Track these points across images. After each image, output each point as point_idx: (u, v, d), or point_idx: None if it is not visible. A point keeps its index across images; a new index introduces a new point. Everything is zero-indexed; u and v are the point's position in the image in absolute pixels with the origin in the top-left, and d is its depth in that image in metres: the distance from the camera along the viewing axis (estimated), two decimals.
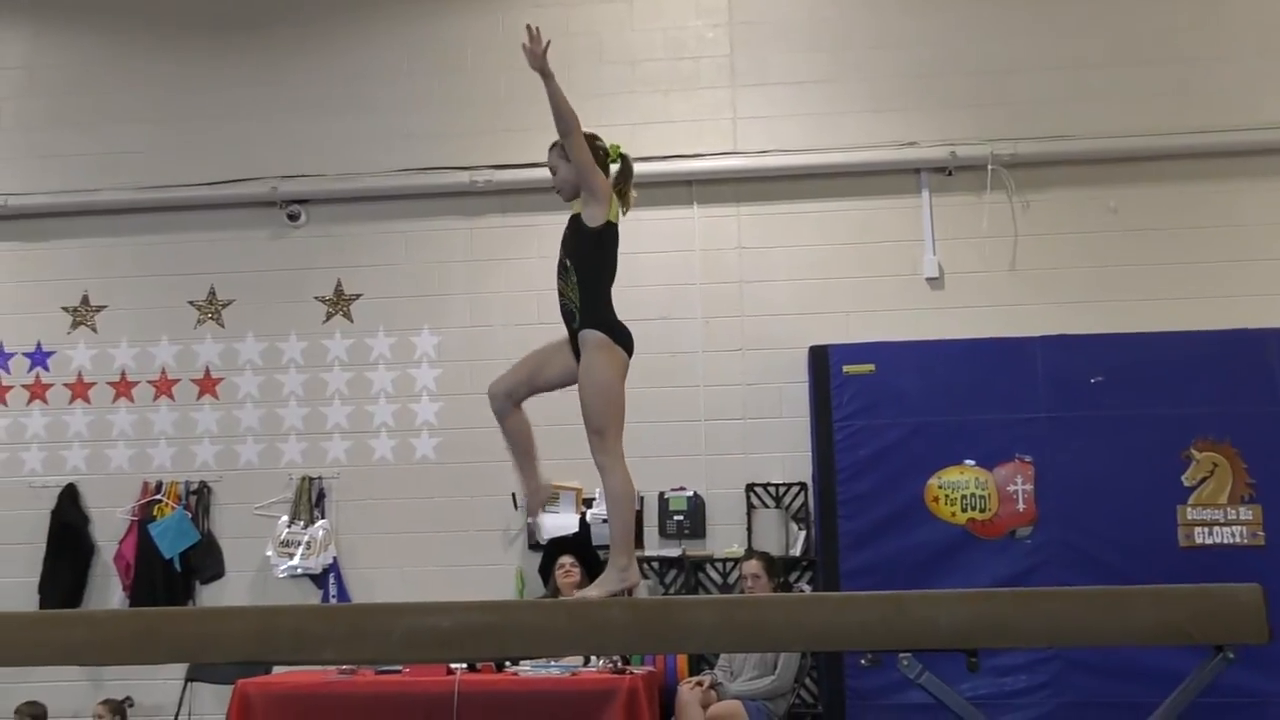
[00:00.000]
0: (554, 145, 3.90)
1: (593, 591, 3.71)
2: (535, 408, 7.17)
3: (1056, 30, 7.28)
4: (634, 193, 3.97)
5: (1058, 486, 6.53)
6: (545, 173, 7.17)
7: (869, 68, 7.34)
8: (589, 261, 3.79)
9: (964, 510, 6.60)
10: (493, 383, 3.97)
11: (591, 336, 3.76)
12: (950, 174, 7.19)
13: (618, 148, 3.91)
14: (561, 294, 3.85)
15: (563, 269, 3.84)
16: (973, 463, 6.63)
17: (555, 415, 7.09)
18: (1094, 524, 6.47)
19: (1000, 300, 7.04)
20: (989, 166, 7.06)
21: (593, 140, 3.86)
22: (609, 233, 3.81)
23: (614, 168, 3.90)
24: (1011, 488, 6.58)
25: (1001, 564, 6.49)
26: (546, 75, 3.68)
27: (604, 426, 3.77)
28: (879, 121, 7.25)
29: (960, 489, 6.62)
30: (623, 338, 3.81)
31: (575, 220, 3.84)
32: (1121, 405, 6.54)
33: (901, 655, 3.33)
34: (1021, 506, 6.56)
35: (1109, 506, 6.45)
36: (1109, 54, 7.23)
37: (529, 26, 3.70)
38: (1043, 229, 7.12)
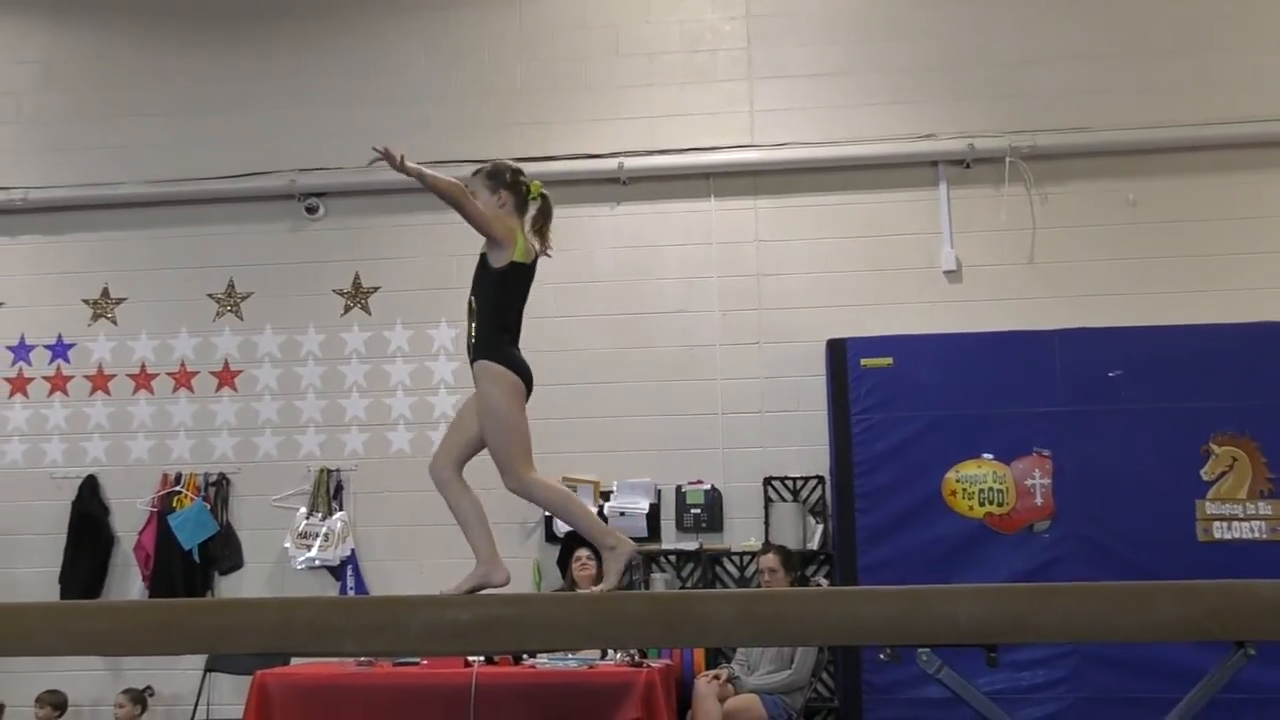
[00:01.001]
0: (475, 173, 3.90)
1: (606, 584, 3.70)
2: (545, 405, 7.21)
3: (1076, 21, 7.24)
4: (551, 233, 3.93)
5: (1076, 480, 6.50)
6: (565, 166, 7.37)
7: (886, 60, 7.31)
8: (490, 300, 3.79)
9: (982, 504, 6.58)
10: (433, 462, 3.90)
11: (480, 368, 3.75)
12: (968, 166, 7.16)
13: (538, 186, 3.90)
14: (468, 334, 3.84)
15: (469, 308, 3.85)
16: (991, 456, 6.61)
17: (567, 409, 7.17)
18: (1112, 518, 6.43)
19: (1018, 293, 7.01)
20: (1007, 159, 7.03)
21: (516, 176, 3.88)
22: (512, 273, 3.78)
23: (533, 206, 3.89)
24: (1030, 482, 6.55)
25: (1019, 558, 6.46)
26: (413, 174, 3.65)
27: (507, 458, 3.74)
28: (896, 114, 7.23)
29: (978, 483, 6.60)
30: (515, 366, 3.76)
31: (482, 259, 3.84)
32: (1140, 399, 6.50)
33: (920, 650, 3.33)
34: (1039, 501, 6.53)
35: (1127, 501, 6.42)
36: (1128, 45, 7.18)
37: (375, 149, 3.69)
38: (1061, 222, 7.10)
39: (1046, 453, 6.54)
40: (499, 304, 3.79)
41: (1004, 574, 6.34)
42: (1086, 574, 6.16)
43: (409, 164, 3.65)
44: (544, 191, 3.92)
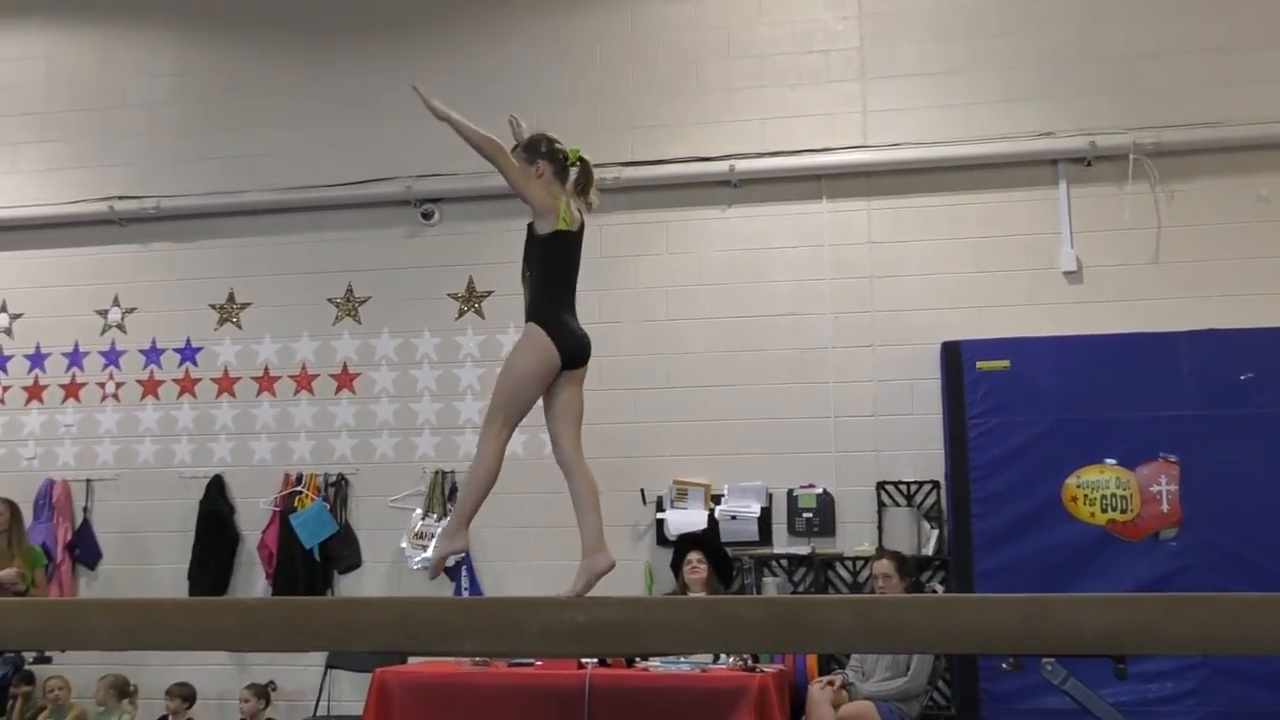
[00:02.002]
0: (512, 149, 3.94)
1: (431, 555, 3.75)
2: (657, 408, 7.23)
3: (1203, 11, 7.00)
4: (595, 198, 3.96)
5: (1205, 487, 6.29)
6: (676, 169, 7.39)
7: (1003, 56, 7.16)
8: (539, 269, 3.86)
9: (1104, 511, 6.41)
10: (555, 452, 4.01)
11: (527, 328, 3.84)
12: (1089, 164, 6.98)
13: (577, 151, 3.92)
14: (526, 302, 3.91)
15: (523, 278, 3.92)
16: (1113, 462, 6.44)
17: (678, 412, 7.17)
18: (1243, 526, 6.22)
19: (1143, 294, 6.81)
20: (1130, 156, 6.83)
21: (551, 144, 3.92)
22: (558, 241, 3.82)
23: (573, 171, 3.92)
24: (1155, 488, 6.36)
25: (1144, 567, 6.29)
26: (442, 117, 3.82)
27: (495, 406, 3.84)
28: (1013, 112, 7.08)
29: (1100, 489, 6.43)
30: (562, 338, 3.80)
31: (529, 228, 3.90)
32: (1273, 403, 6.28)
33: (1045, 660, 3.26)
34: (1166, 507, 6.33)
35: (1259, 508, 6.20)
36: (1259, 35, 6.92)
37: (415, 90, 3.93)
38: (1188, 220, 6.87)
39: (1173, 458, 6.35)
40: (547, 272, 3.85)
41: (1128, 583, 6.17)
42: (1216, 583, 5.97)
43: (439, 106, 3.81)
44: (583, 156, 3.94)
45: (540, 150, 3.91)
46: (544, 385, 3.85)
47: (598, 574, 3.86)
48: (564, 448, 3.94)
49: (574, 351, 3.85)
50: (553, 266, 3.85)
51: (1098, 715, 3.23)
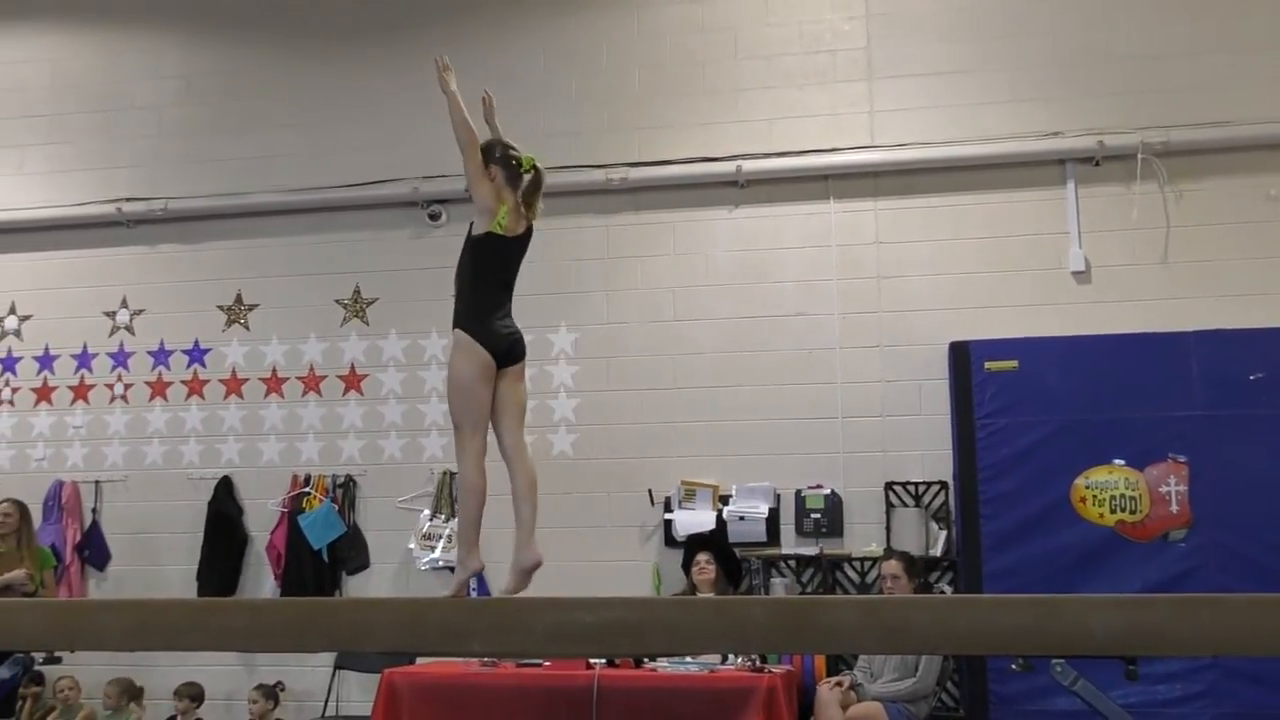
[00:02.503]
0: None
1: (448, 591, 3.83)
2: (663, 408, 7.22)
3: (1211, 11, 6.99)
4: (541, 204, 4.07)
5: (1215, 487, 6.28)
6: (681, 169, 7.39)
7: (1010, 57, 7.15)
8: (464, 267, 3.98)
9: (1113, 511, 6.40)
10: None
11: (454, 336, 3.95)
12: (1097, 164, 6.96)
13: (531, 160, 4.03)
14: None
15: (455, 279, 4.04)
16: (1122, 462, 6.42)
17: (685, 413, 7.16)
18: (1254, 526, 6.21)
19: (1152, 294, 6.79)
20: (1139, 156, 6.82)
21: (506, 150, 4.04)
22: (488, 243, 3.94)
23: (526, 179, 4.02)
24: (1164, 488, 6.34)
25: (1153, 568, 6.28)
26: (447, 93, 4.01)
27: (457, 422, 3.95)
28: (1021, 112, 7.07)
29: (1109, 489, 6.42)
30: (486, 337, 3.90)
31: (468, 230, 4.02)
32: None
33: (1055, 661, 3.25)
34: (1175, 508, 6.32)
35: (1269, 508, 6.19)
36: (1268, 35, 6.91)
37: (436, 60, 4.09)
38: (1197, 219, 6.85)
39: (1182, 459, 6.33)
40: (475, 273, 3.94)
41: (1137, 584, 6.16)
42: (1226, 584, 5.96)
43: (449, 81, 3.98)
44: (536, 165, 4.03)
45: (494, 155, 4.03)
46: (488, 385, 3.93)
47: (526, 570, 3.94)
48: (505, 442, 4.01)
49: (502, 348, 3.94)
50: (481, 268, 3.95)
51: (1108, 716, 3.22)
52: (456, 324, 3.95)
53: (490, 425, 4.00)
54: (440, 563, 7.25)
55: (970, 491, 6.57)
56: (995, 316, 6.89)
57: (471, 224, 4.01)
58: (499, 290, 3.99)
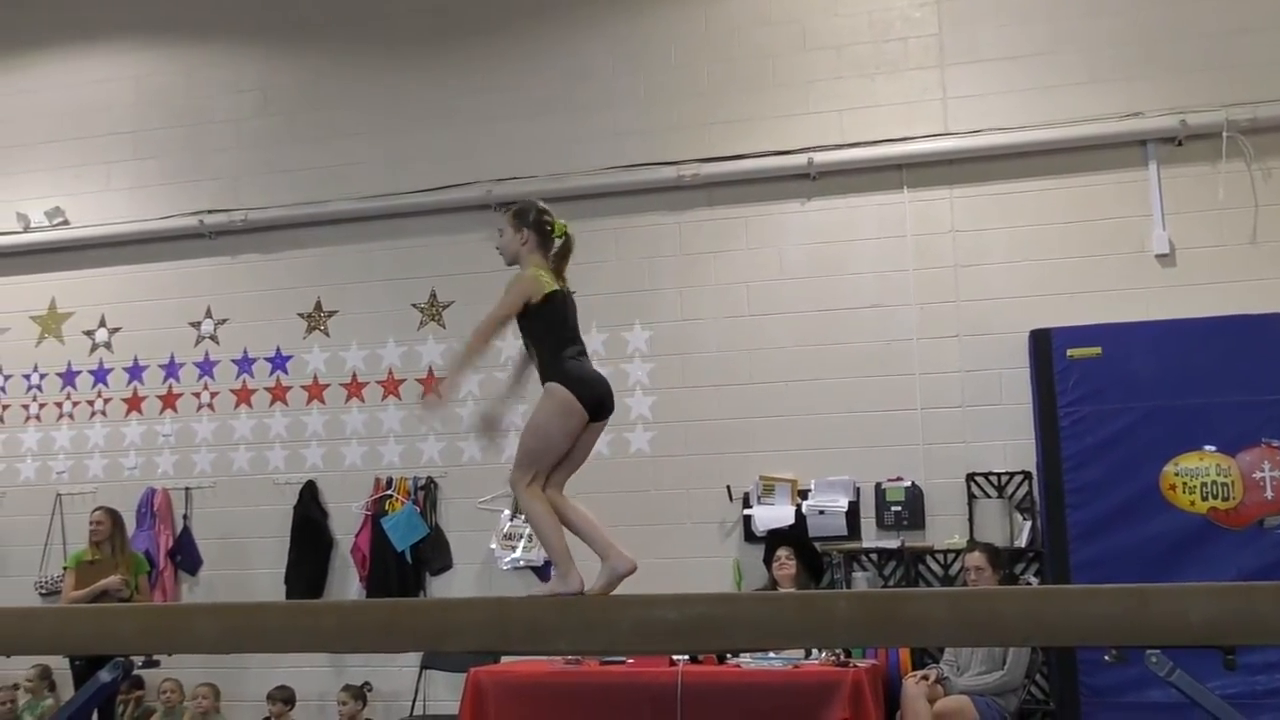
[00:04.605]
0: (505, 208, 4.21)
1: (592, 586, 3.90)
2: (741, 404, 7.20)
3: None
4: (567, 271, 4.16)
5: None
6: (752, 164, 7.36)
7: (1087, 37, 7.01)
8: (543, 332, 4.00)
9: (1204, 498, 6.25)
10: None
11: (547, 387, 3.95)
12: (1180, 144, 6.80)
13: (563, 226, 4.13)
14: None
15: (528, 350, 4.10)
16: (1213, 448, 6.27)
17: (763, 408, 7.13)
18: None
19: (1240, 275, 6.61)
20: (1224, 134, 6.64)
21: (540, 215, 4.12)
22: (551, 302, 4.00)
23: (557, 243, 4.13)
24: (1258, 474, 6.18)
25: (1248, 555, 6.12)
26: (465, 363, 4.16)
27: (525, 465, 3.96)
28: (1099, 93, 6.92)
29: (1200, 476, 6.27)
30: (583, 389, 3.93)
31: (526, 305, 4.04)
32: None
33: (1150, 651, 3.18)
34: (1270, 494, 6.15)
35: None
36: None
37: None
38: None
39: (1276, 443, 6.17)
40: (549, 333, 4.00)
41: (1232, 572, 6.00)
42: None
43: (446, 389, 4.22)
44: (568, 231, 4.14)
45: (528, 220, 4.12)
46: (572, 439, 3.97)
47: (620, 576, 3.95)
48: (550, 483, 4.04)
49: (597, 400, 3.97)
50: (554, 326, 4.00)
51: (1209, 709, 3.14)
52: (551, 378, 3.94)
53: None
54: (521, 562, 7.31)
55: (1055, 481, 6.46)
56: (1077, 303, 6.76)
57: (526, 304, 4.00)
58: (576, 343, 4.04)
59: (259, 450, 7.99)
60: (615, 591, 3.92)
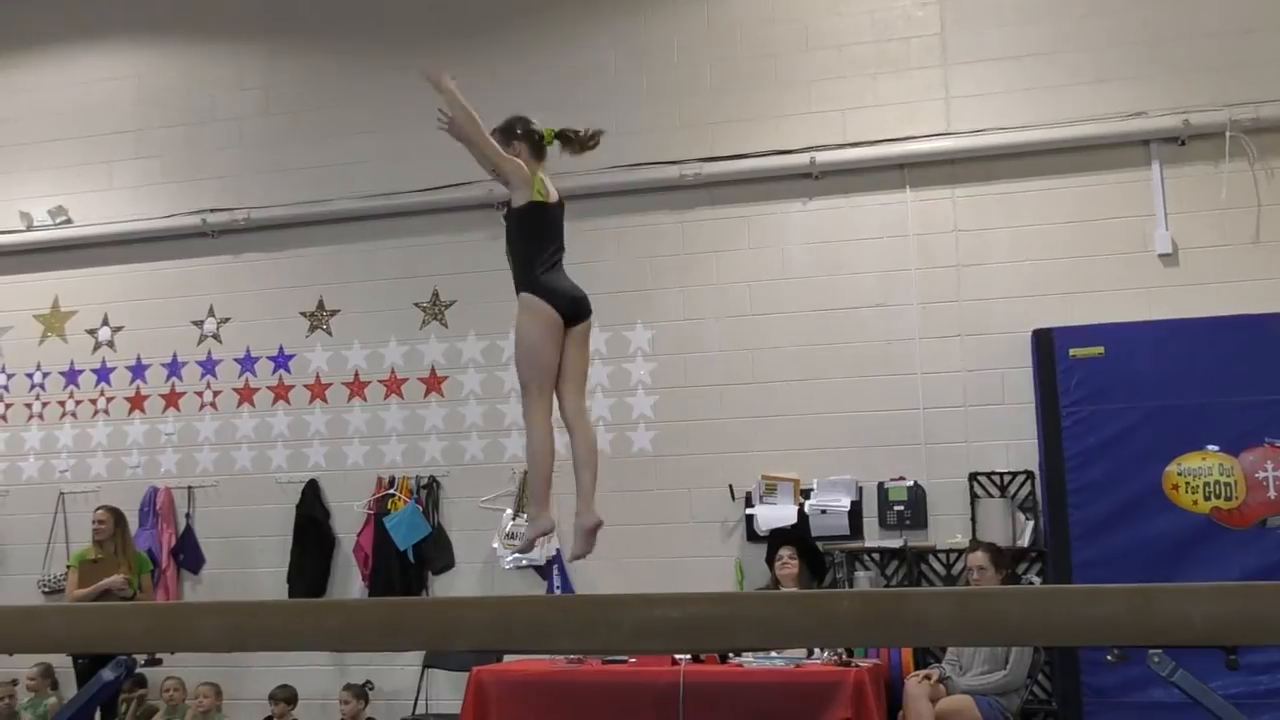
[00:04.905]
0: (492, 131, 4.13)
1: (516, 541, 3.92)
2: (743, 403, 7.20)
3: None
4: (589, 145, 4.20)
5: None
6: (754, 163, 7.35)
7: (1090, 36, 7.01)
8: (514, 239, 4.05)
9: (1207, 498, 6.25)
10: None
11: (520, 299, 4.00)
12: (1183, 144, 6.79)
13: (552, 131, 4.15)
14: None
15: (507, 259, 4.11)
16: (1216, 448, 6.27)
17: (765, 407, 7.14)
18: None
19: (1243, 275, 6.61)
20: (1227, 133, 6.64)
21: (527, 125, 4.14)
22: (534, 210, 4.03)
23: (550, 151, 4.18)
24: (1261, 474, 6.18)
25: (1251, 555, 6.12)
26: (441, 88, 4.08)
27: (524, 381, 4.03)
28: (1102, 92, 6.92)
29: (1202, 476, 6.27)
30: (554, 296, 3.97)
31: (506, 209, 4.11)
32: None
33: (1152, 651, 3.18)
34: (1273, 494, 6.15)
35: None
36: None
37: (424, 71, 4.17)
38: None
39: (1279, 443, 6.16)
40: (528, 242, 4.01)
41: (1235, 572, 6.01)
42: None
43: (449, 84, 4.04)
44: (560, 132, 4.16)
45: (515, 133, 4.15)
46: (556, 345, 4.00)
47: (589, 530, 4.02)
48: (566, 407, 4.09)
49: (570, 305, 4.02)
50: (533, 235, 4.03)
51: (1211, 709, 3.13)
52: (520, 288, 4.03)
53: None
54: (524, 561, 7.30)
55: (1057, 481, 6.46)
56: (1079, 302, 6.76)
57: (507, 204, 4.11)
58: (554, 253, 4.08)
59: (261, 449, 7.99)
60: (617, 590, 3.94)
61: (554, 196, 4.11)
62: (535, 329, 3.98)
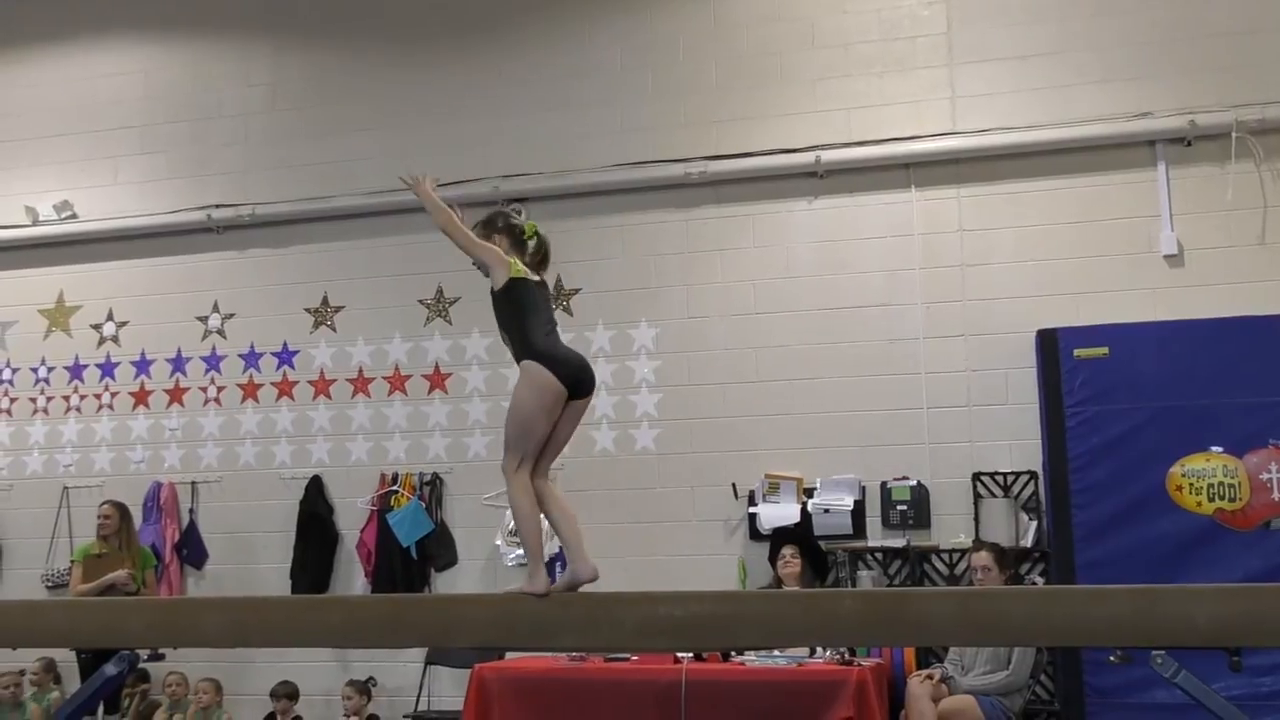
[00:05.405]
0: (475, 224, 4.20)
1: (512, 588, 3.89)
2: (747, 403, 7.20)
3: None
4: (547, 268, 4.19)
5: None
6: (759, 161, 7.36)
7: (1097, 36, 7.00)
8: (512, 318, 4.00)
9: (1211, 500, 6.24)
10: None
11: (522, 366, 3.94)
12: (1189, 144, 6.78)
13: (533, 226, 4.18)
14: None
15: (504, 341, 4.08)
16: (1220, 449, 6.26)
17: (768, 406, 7.14)
18: None
19: (1249, 276, 6.60)
20: (1233, 134, 6.62)
21: (508, 219, 4.21)
22: (515, 287, 3.99)
23: (530, 244, 4.17)
24: (1265, 475, 6.17)
25: (1255, 557, 6.11)
26: (418, 193, 4.16)
27: (508, 447, 3.92)
28: (1108, 93, 6.91)
29: (1206, 477, 6.26)
30: (559, 366, 3.91)
31: (491, 294, 4.07)
32: None
33: (1155, 652, 3.18)
34: (1277, 495, 6.14)
35: None
36: None
37: (402, 178, 4.22)
38: None
39: None
40: (523, 318, 3.97)
41: (1239, 573, 5.99)
42: None
43: (425, 188, 4.11)
44: (539, 232, 4.17)
45: (496, 226, 4.16)
46: (552, 418, 3.92)
47: (580, 584, 3.89)
48: (535, 471, 3.98)
49: (575, 377, 3.94)
50: (525, 310, 3.99)
51: (1213, 710, 3.14)
52: (522, 357, 3.94)
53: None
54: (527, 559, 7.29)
55: (1061, 481, 6.45)
56: (1084, 303, 6.76)
57: (491, 289, 4.05)
58: (549, 323, 4.03)
59: (265, 445, 8.00)
60: (620, 588, 3.93)
61: (535, 277, 4.09)
62: (535, 401, 3.88)
